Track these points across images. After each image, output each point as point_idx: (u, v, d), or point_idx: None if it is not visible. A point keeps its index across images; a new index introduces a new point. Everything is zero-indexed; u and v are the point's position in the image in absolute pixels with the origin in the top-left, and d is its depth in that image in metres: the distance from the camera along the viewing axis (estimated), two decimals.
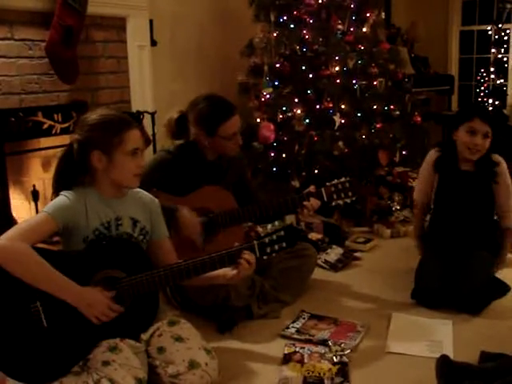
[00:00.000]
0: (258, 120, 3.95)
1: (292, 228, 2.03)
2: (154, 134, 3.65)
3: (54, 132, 3.09)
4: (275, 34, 3.96)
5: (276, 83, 3.98)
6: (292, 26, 3.97)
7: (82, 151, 1.91)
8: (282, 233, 1.99)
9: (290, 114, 3.87)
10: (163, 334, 1.95)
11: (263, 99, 3.95)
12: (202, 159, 2.61)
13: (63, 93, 3.19)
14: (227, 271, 2.03)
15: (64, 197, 1.88)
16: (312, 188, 2.53)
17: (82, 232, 1.88)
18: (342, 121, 3.85)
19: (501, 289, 2.72)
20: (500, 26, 5.73)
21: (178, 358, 1.88)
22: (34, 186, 3.12)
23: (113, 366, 1.75)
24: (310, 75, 3.92)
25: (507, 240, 2.81)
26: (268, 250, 2.00)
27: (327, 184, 2.52)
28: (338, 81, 3.87)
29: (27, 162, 3.25)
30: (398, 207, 4.00)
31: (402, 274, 3.00)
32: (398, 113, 4.12)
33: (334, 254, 3.29)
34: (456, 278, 2.61)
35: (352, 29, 3.99)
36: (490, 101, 5.70)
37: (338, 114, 3.83)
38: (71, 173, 1.94)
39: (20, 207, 3.20)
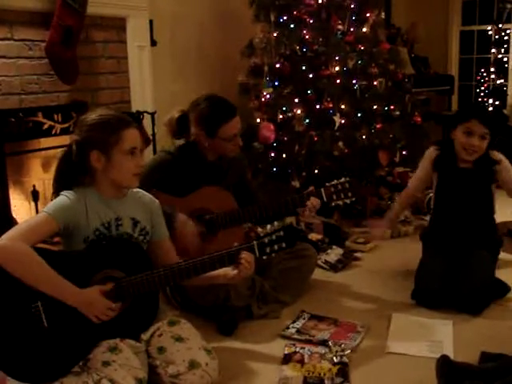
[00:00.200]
0: (258, 120, 3.95)
1: (291, 228, 2.03)
2: (154, 134, 3.65)
3: (53, 132, 3.09)
4: (275, 34, 3.96)
5: (276, 83, 3.98)
6: (292, 26, 3.97)
7: (80, 151, 1.91)
8: (282, 233, 1.99)
9: (290, 114, 3.87)
10: (163, 334, 1.95)
11: (263, 99, 3.95)
12: (202, 160, 2.61)
13: (63, 93, 3.19)
14: (228, 271, 2.03)
15: (64, 197, 1.88)
16: (311, 189, 2.53)
17: (82, 232, 1.88)
18: (342, 121, 3.85)
19: (501, 289, 2.72)
20: (500, 26, 5.72)
21: (178, 358, 1.88)
22: (34, 186, 3.12)
23: (113, 367, 1.75)
24: (310, 75, 3.92)
25: None
26: (267, 250, 2.00)
27: (327, 184, 2.52)
28: (338, 81, 3.87)
29: (27, 162, 3.25)
30: None
31: (402, 274, 3.01)
32: (398, 113, 4.12)
33: (334, 254, 3.29)
34: (456, 277, 2.61)
35: (352, 29, 4.00)
36: (490, 101, 5.69)
37: (338, 115, 3.84)
38: (71, 173, 1.94)
39: (20, 207, 3.20)
